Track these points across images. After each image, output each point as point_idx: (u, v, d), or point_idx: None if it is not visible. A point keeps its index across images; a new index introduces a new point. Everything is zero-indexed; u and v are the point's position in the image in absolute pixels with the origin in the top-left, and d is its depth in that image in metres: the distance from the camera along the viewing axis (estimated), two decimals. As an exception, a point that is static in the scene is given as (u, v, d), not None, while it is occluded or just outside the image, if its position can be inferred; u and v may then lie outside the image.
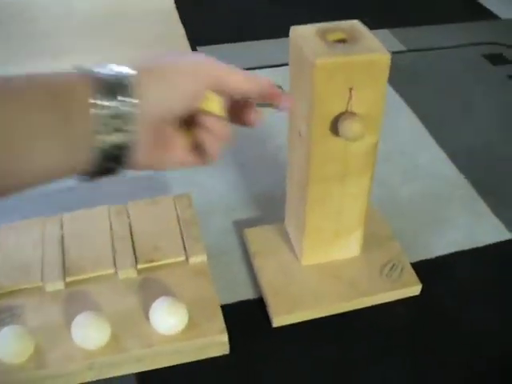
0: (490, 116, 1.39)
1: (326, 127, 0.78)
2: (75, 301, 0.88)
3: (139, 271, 0.93)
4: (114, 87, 0.41)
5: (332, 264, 0.97)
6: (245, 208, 1.11)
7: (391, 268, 0.97)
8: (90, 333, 0.81)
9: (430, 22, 1.85)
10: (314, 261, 0.96)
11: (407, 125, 1.35)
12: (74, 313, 0.84)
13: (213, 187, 1.16)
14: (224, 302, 0.93)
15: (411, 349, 0.89)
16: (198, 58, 0.51)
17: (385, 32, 1.77)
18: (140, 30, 1.78)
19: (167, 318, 0.84)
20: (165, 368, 0.85)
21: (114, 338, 0.83)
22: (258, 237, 1.02)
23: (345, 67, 0.73)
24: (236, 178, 1.19)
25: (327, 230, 0.92)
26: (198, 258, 0.94)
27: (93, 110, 0.40)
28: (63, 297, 0.89)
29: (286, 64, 0.82)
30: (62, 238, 0.98)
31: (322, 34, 0.76)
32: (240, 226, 1.07)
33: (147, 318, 0.85)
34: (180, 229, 0.99)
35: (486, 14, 1.91)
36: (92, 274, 0.92)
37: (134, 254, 0.94)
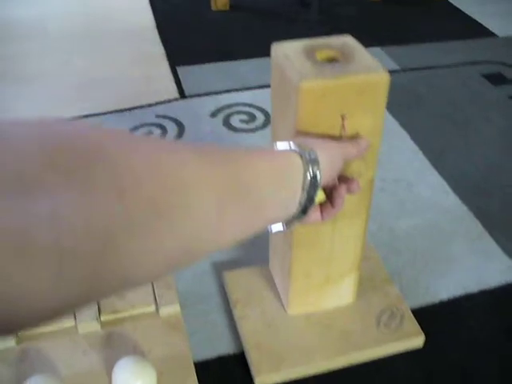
0: (492, 140, 1.29)
1: (313, 162, 0.67)
2: (26, 360, 0.77)
3: (102, 324, 0.82)
4: (314, 164, 0.52)
5: (322, 313, 0.86)
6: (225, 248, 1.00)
7: (389, 316, 0.86)
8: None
9: (424, 40, 1.75)
10: (302, 310, 0.85)
11: (404, 151, 1.24)
12: (23, 376, 0.72)
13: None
14: (200, 358, 0.81)
15: (414, 413, 0.77)
16: (334, 141, 0.61)
17: (377, 50, 1.67)
18: (117, 50, 1.68)
19: (132, 380, 0.72)
20: None
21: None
22: (238, 281, 0.90)
23: (336, 91, 0.62)
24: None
25: (316, 275, 0.81)
26: (170, 309, 0.83)
27: (305, 182, 0.52)
28: (13, 356, 0.77)
29: (269, 86, 0.71)
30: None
31: (310, 52, 0.66)
32: (219, 268, 0.95)
33: (110, 379, 0.74)
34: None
35: (483, 32, 1.82)
36: (47, 329, 0.80)
37: (98, 303, 0.83)
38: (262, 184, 0.47)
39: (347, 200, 0.72)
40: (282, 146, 0.55)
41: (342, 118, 0.63)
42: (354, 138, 0.64)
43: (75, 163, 0.29)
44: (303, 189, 0.52)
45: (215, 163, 0.42)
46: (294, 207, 0.53)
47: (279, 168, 0.50)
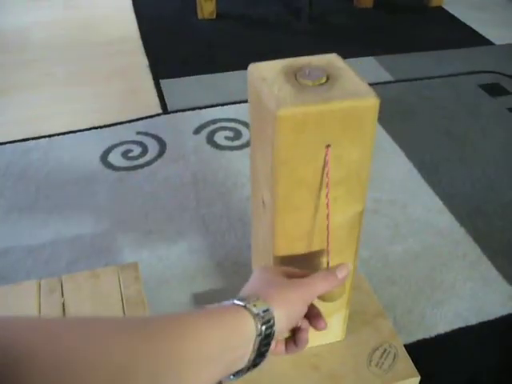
0: (490, 155, 1.23)
1: (295, 196, 0.60)
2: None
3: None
4: (267, 324, 0.50)
5: (310, 351, 0.79)
6: (206, 276, 0.93)
7: (382, 355, 0.79)
8: None
9: (419, 48, 1.69)
10: (288, 348, 0.78)
11: (398, 168, 1.18)
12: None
13: (168, 251, 0.98)
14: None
15: None
16: (296, 287, 0.57)
17: (370, 60, 1.61)
18: (100, 61, 1.61)
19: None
20: None
21: None
22: (220, 316, 0.84)
23: (319, 118, 0.55)
24: (196, 238, 1.00)
25: (302, 313, 0.74)
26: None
27: (256, 341, 0.49)
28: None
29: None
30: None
31: (289, 74, 0.59)
32: (200, 301, 0.89)
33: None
34: (123, 310, 0.81)
35: (480, 40, 1.76)
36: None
37: None
38: (205, 352, 0.46)
39: (335, 235, 0.65)
40: (236, 302, 0.52)
41: (327, 148, 0.57)
42: (334, 268, 0.60)
43: None
44: (253, 349, 0.50)
45: (151, 340, 0.43)
46: (242, 364, 0.50)
47: (227, 332, 0.49)
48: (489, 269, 0.96)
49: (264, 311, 0.50)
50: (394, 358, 0.79)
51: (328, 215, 0.61)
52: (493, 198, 1.11)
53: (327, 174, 0.59)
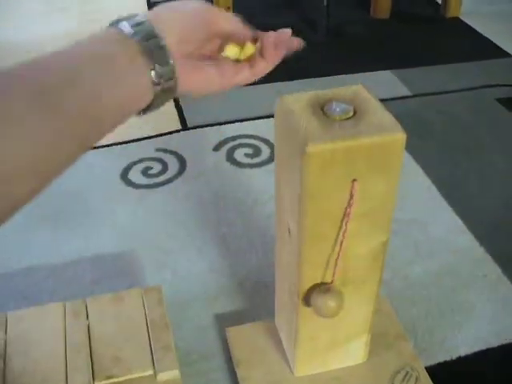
0: (508, 173, 1.22)
1: (321, 227, 0.61)
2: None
3: (96, 391, 0.76)
4: (145, 35, 0.46)
5: (331, 375, 0.80)
6: (228, 296, 0.94)
7: (404, 378, 0.80)
8: None
9: (436, 61, 1.69)
10: (310, 371, 0.79)
11: (417, 187, 1.18)
12: None
13: (189, 271, 0.99)
14: (200, 426, 0.76)
15: None
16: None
17: (387, 74, 1.61)
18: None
19: None
20: None
21: None
22: (242, 339, 0.85)
23: (347, 154, 0.56)
24: (217, 257, 1.01)
25: (322, 338, 0.75)
26: (169, 374, 0.77)
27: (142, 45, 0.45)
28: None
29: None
30: (5, 343, 0.80)
31: (316, 106, 0.60)
32: (222, 322, 0.90)
33: None
34: (148, 333, 0.82)
35: (498, 52, 1.76)
36: (36, 398, 0.75)
37: (92, 367, 0.77)
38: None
39: (358, 265, 0.66)
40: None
41: (353, 182, 0.58)
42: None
43: None
44: (142, 53, 0.45)
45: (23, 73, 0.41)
46: (143, 81, 0.46)
47: (95, 50, 0.44)
48: (509, 290, 0.96)
49: (132, 19, 0.47)
50: (416, 381, 0.79)
51: (340, 248, 0.63)
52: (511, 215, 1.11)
53: (350, 206, 0.59)
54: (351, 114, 0.59)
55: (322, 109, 0.59)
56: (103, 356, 0.79)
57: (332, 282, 0.66)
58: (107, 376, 0.77)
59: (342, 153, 0.56)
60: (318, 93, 0.62)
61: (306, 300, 0.67)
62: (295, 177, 0.59)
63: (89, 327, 0.83)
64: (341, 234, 0.62)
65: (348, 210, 0.59)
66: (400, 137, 0.57)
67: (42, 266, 0.99)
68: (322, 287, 0.65)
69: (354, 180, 0.58)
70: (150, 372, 0.78)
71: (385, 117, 0.59)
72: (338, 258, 0.64)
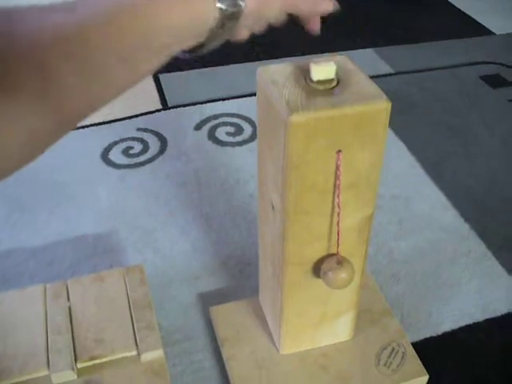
0: (493, 149, 1.22)
1: (306, 200, 0.60)
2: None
3: (79, 372, 0.75)
4: None
5: (318, 352, 0.79)
6: (211, 275, 0.93)
7: (390, 354, 0.79)
8: None
9: (418, 39, 1.68)
10: (296, 348, 0.79)
11: (401, 164, 1.17)
12: None
13: (171, 250, 0.97)
14: (185, 406, 0.75)
15: None
16: None
17: (369, 52, 1.59)
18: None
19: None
20: None
21: None
22: (227, 317, 0.84)
23: (331, 123, 0.55)
24: (200, 236, 1.00)
25: (311, 314, 0.74)
26: (153, 354, 0.76)
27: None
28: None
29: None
30: (-16, 327, 0.79)
31: (300, 76, 0.58)
32: (206, 301, 0.89)
33: None
34: (131, 313, 0.80)
35: (481, 30, 1.75)
36: (17, 379, 0.73)
37: (74, 349, 0.76)
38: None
39: (344, 239, 0.65)
40: None
41: (338, 153, 0.56)
42: None
43: None
44: (215, 19, 0.46)
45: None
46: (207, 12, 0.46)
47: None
48: (494, 265, 0.96)
49: None
50: (403, 357, 0.79)
51: (339, 219, 0.61)
52: (496, 192, 1.11)
53: (339, 178, 0.58)
54: (335, 83, 0.57)
55: (305, 79, 0.58)
56: (85, 337, 0.78)
57: (338, 254, 0.65)
58: (90, 357, 0.76)
59: (326, 122, 0.54)
60: (301, 63, 0.61)
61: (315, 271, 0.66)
62: (279, 149, 0.58)
63: (70, 309, 0.81)
64: (336, 205, 0.60)
65: (337, 182, 0.58)
66: (385, 105, 0.56)
67: (22, 249, 0.97)
68: (331, 259, 0.64)
69: (339, 151, 0.57)
70: (134, 352, 0.76)
71: (369, 86, 0.58)
72: (338, 229, 0.62)
